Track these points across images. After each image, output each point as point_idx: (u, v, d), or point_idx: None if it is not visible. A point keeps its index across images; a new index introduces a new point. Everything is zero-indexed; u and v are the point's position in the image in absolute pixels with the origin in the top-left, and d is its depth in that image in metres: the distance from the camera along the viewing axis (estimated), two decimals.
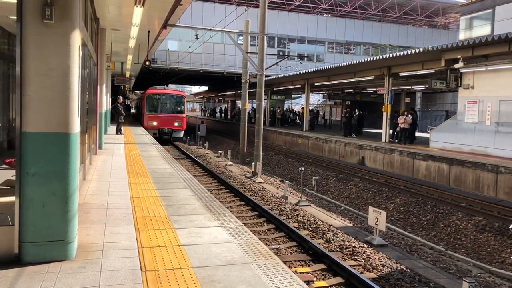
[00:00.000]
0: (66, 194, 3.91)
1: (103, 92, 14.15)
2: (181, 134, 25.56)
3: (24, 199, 3.79)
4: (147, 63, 15.69)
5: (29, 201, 3.79)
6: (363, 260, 6.55)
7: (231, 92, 45.48)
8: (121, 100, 19.91)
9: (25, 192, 3.79)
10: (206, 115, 60.96)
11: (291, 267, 6.22)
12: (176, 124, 24.81)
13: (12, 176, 4.12)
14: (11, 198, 3.88)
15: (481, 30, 23.00)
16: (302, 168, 12.13)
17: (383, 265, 6.35)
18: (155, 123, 24.44)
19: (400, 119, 19.14)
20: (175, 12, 10.62)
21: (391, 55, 16.71)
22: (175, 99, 25.80)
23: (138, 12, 10.14)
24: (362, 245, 7.23)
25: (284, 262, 6.02)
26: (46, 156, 3.83)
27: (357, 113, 24.26)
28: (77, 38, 4.00)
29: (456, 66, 14.83)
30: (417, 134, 20.69)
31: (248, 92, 19.80)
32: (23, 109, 3.78)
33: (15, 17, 3.79)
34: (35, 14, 3.73)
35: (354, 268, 6.07)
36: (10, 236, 3.81)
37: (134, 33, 13.20)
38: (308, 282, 5.57)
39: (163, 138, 24.30)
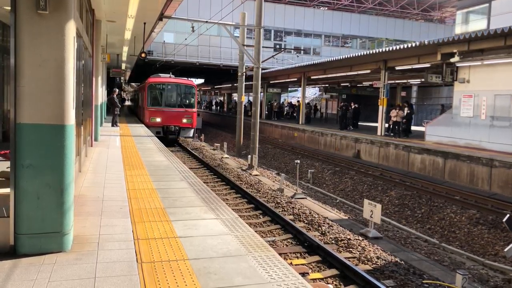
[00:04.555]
0: (61, 186, 3.90)
1: (99, 84, 14.07)
2: (191, 133, 20.88)
3: (19, 191, 3.78)
4: (143, 55, 15.57)
5: (24, 193, 3.78)
6: (358, 253, 6.60)
7: (227, 85, 45.35)
8: (116, 92, 19.79)
9: (20, 184, 3.77)
10: (202, 107, 60.82)
11: (287, 259, 6.26)
12: (184, 120, 20.13)
13: (7, 168, 4.10)
14: (6, 190, 3.86)
15: (477, 24, 23.02)
16: (298, 161, 12.14)
17: (377, 258, 6.40)
18: (158, 120, 19.76)
19: (393, 113, 19.18)
20: (171, 4, 10.55)
21: (387, 49, 16.72)
22: (184, 89, 20.93)
23: (133, 4, 10.05)
24: (357, 238, 7.28)
25: (280, 254, 6.04)
26: (41, 148, 3.81)
27: (352, 107, 24.30)
28: (72, 29, 3.97)
29: (452, 60, 14.85)
30: (412, 127, 20.76)
31: (245, 85, 19.73)
32: (17, 100, 3.75)
33: (9, 8, 3.75)
34: (29, 5, 3.69)
35: (349, 260, 6.12)
36: (5, 228, 3.80)
37: (129, 25, 13.11)
38: (303, 274, 5.60)
39: (169, 138, 19.87)
